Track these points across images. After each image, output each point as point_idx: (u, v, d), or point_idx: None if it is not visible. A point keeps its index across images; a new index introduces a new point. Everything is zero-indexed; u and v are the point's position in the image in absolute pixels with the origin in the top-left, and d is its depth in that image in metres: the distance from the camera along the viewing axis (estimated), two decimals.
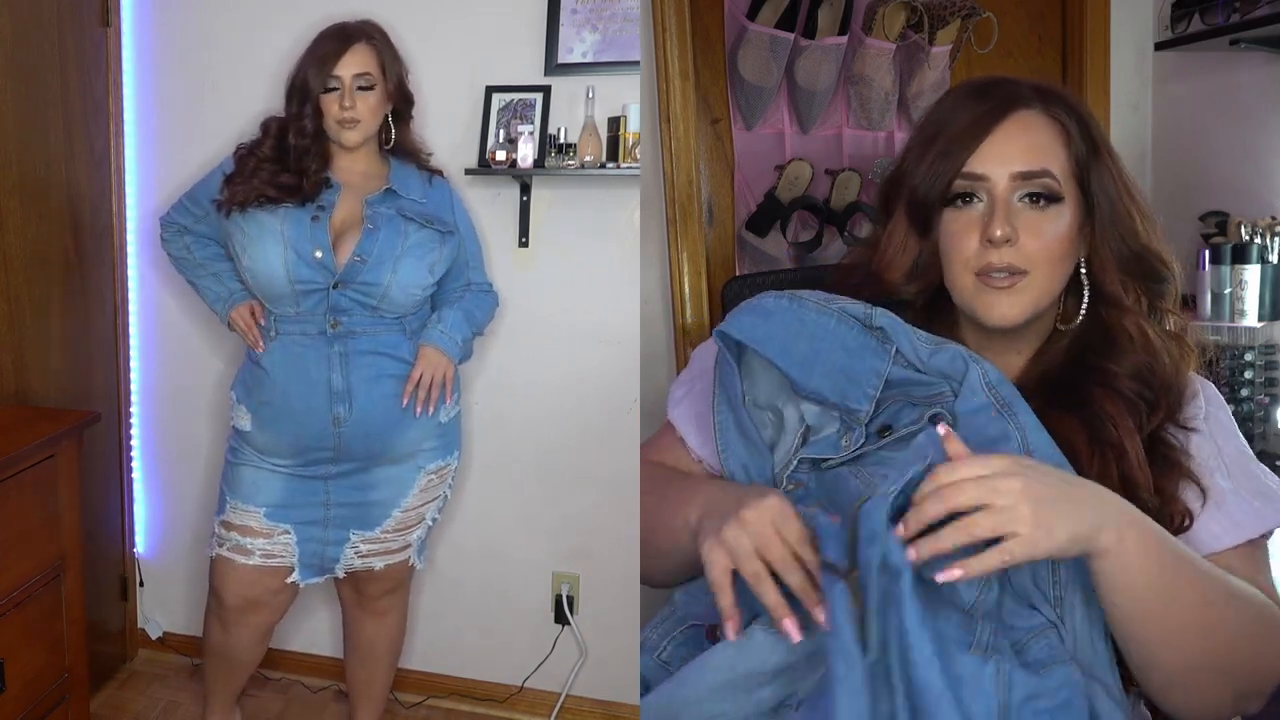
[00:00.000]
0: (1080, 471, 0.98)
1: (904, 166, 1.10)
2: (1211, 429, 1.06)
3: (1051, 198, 1.02)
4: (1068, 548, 0.85)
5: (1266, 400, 1.88)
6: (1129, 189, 1.06)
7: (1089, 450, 1.00)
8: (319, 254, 1.72)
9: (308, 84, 1.76)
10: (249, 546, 1.81)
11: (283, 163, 1.78)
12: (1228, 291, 1.94)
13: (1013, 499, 0.83)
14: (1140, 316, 1.05)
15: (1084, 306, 1.07)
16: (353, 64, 1.76)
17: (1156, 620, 0.90)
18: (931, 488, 0.85)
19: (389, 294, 1.75)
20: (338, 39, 1.78)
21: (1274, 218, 1.99)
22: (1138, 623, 0.91)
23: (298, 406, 1.76)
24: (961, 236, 1.04)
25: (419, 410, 1.80)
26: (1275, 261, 1.94)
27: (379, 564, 1.88)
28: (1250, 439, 1.85)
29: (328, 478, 1.81)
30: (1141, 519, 0.89)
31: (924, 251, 1.08)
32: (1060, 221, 1.02)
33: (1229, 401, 1.85)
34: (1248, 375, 1.88)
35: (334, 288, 1.73)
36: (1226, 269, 1.94)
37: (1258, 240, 1.95)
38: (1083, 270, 1.07)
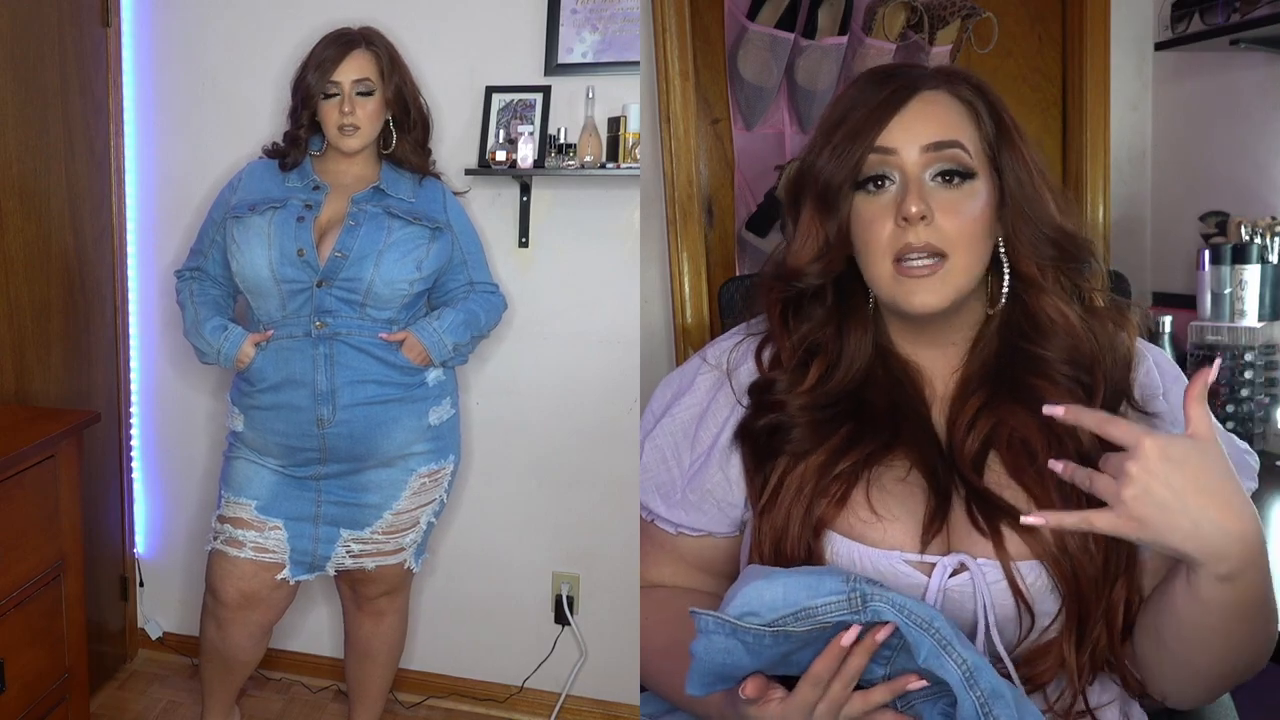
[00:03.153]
0: (1041, 467, 0.96)
1: (809, 159, 1.07)
2: (1173, 405, 1.04)
3: (965, 174, 1.00)
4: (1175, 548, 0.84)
5: (1266, 400, 1.88)
6: (1041, 170, 1.04)
7: (1045, 444, 0.98)
8: (302, 252, 1.74)
9: (308, 87, 1.78)
10: (241, 539, 1.81)
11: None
12: (1228, 291, 1.94)
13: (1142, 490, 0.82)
14: (1059, 298, 1.03)
15: (1005, 289, 1.05)
16: (352, 69, 1.77)
17: (1225, 633, 0.90)
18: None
19: (373, 289, 1.76)
20: (338, 44, 1.79)
21: (1274, 218, 1.98)
22: (1204, 631, 0.90)
23: (284, 408, 1.78)
24: (875, 223, 1.00)
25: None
26: (1275, 261, 1.94)
27: (371, 564, 1.88)
28: (1250, 439, 1.85)
29: (319, 478, 1.82)
30: (1261, 546, 0.87)
31: (830, 233, 1.04)
32: (976, 200, 1.00)
33: (1229, 401, 1.87)
34: (1248, 375, 1.88)
35: (318, 286, 1.75)
36: (1226, 269, 1.94)
37: (1258, 240, 1.95)
38: (1002, 251, 1.04)
